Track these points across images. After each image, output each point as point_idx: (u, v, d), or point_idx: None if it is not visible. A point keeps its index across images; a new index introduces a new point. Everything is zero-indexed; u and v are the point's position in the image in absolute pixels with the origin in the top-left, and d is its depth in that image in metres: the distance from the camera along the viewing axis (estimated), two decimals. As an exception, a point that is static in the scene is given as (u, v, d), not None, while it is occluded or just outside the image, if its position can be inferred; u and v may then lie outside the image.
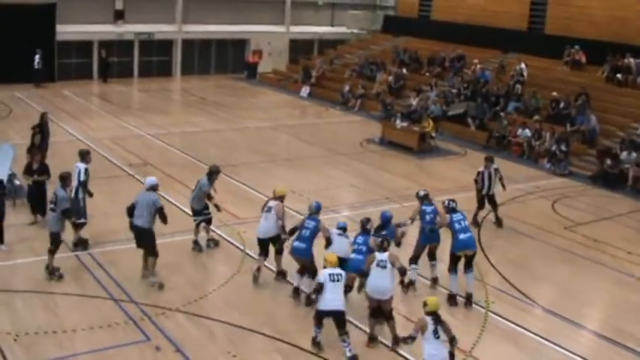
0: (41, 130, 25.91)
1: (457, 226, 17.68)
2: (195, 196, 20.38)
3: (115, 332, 15.42)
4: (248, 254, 19.58)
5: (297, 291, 17.49)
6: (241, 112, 40.17)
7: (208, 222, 20.53)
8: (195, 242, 20.41)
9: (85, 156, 20.38)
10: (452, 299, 17.67)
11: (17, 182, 22.16)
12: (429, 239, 18.52)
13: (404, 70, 44.65)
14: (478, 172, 23.94)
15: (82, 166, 20.11)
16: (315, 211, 18.15)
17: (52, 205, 18.16)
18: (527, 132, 33.58)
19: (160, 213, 17.85)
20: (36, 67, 44.62)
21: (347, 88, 43.68)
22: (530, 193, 27.62)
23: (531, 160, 32.65)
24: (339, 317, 14.86)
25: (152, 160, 28.67)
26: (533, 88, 37.68)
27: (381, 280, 15.33)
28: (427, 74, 44.29)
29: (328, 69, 49.55)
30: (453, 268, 17.82)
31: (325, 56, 52.84)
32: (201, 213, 20.33)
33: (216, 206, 20.22)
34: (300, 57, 55.12)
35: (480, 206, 23.77)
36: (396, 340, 15.31)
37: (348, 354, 14.74)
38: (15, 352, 14.48)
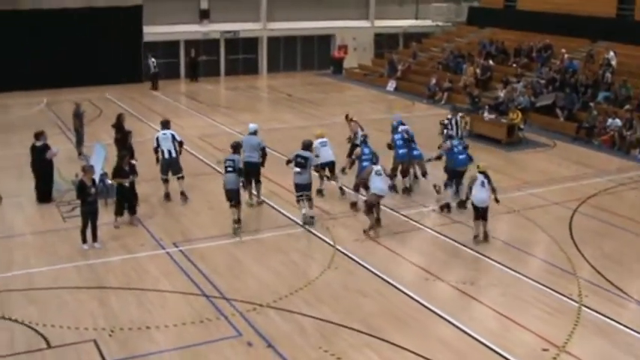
0: (120, 131, 26.41)
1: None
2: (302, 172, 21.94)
3: (206, 328, 15.69)
4: (338, 250, 19.67)
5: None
6: (328, 108, 40.30)
7: (310, 199, 22.11)
8: (305, 216, 21.99)
9: (168, 123, 24.53)
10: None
11: (109, 182, 22.63)
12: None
13: (490, 62, 44.19)
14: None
15: (169, 132, 23.98)
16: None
17: (230, 168, 21.42)
18: (618, 122, 32.93)
19: (263, 151, 23.49)
20: (152, 70, 45.85)
21: (433, 81, 43.47)
22: (622, 185, 27.08)
23: (622, 151, 31.96)
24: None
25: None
26: (623, 76, 36.95)
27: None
28: (514, 65, 43.75)
29: (413, 62, 49.39)
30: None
31: (410, 50, 52.67)
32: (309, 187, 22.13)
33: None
34: (386, 51, 55.04)
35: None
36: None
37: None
38: (110, 347, 14.88)
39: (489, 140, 32.88)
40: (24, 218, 22.62)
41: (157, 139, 23.98)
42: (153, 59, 46.06)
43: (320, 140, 24.33)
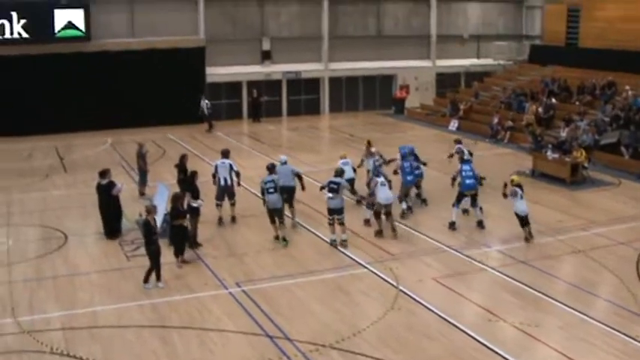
0: (183, 171, 26.64)
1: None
2: (334, 196, 23.50)
3: (269, 369, 15.62)
4: (402, 291, 19.51)
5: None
6: (390, 147, 40.03)
7: (342, 223, 23.54)
8: (333, 241, 23.62)
9: (228, 153, 26.58)
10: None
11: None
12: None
13: (553, 100, 43.83)
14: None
15: (228, 161, 26.11)
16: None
17: (271, 189, 23.56)
18: (685, 160, 32.42)
19: (299, 176, 25.94)
20: (207, 112, 46.44)
21: (495, 120, 43.24)
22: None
23: (690, 189, 31.42)
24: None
25: (302, 197, 29.00)
26: (690, 113, 36.40)
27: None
28: (577, 103, 43.28)
29: (475, 101, 49.21)
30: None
31: (472, 89, 52.52)
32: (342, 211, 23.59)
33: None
34: (447, 90, 54.96)
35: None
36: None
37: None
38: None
39: (553, 179, 32.48)
40: (88, 257, 22.90)
41: (216, 167, 26.26)
42: (207, 101, 46.56)
43: (342, 161, 27.62)
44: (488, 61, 57.39)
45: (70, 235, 24.82)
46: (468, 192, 25.61)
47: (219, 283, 20.26)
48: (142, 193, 28.88)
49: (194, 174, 24.75)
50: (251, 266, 21.69)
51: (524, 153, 37.73)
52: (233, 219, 26.19)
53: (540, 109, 42.76)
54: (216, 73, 49.88)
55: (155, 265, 20.19)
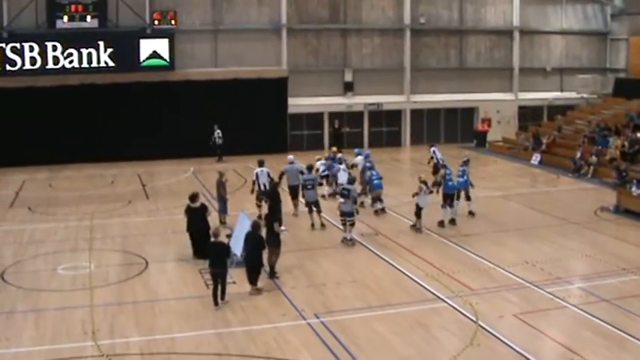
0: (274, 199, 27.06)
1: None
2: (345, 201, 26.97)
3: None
4: (481, 326, 19.21)
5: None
6: (471, 181, 39.86)
7: (352, 224, 27.09)
8: (345, 238, 27.08)
9: (263, 162, 30.97)
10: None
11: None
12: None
13: (638, 135, 42.99)
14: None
15: (265, 169, 30.45)
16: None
17: (310, 185, 29.55)
18: None
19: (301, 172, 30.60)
20: (218, 142, 46.52)
21: (579, 154, 42.59)
22: None
23: None
24: None
25: (383, 230, 28.96)
26: None
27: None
28: (664, 138, 42.46)
29: (558, 135, 48.57)
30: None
31: (555, 122, 51.87)
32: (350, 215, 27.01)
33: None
34: (529, 124, 54.37)
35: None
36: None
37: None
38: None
39: (638, 216, 31.79)
40: (168, 283, 23.13)
41: (256, 174, 30.39)
42: (218, 130, 46.50)
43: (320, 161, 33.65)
44: (572, 94, 56.54)
45: (151, 261, 25.09)
46: (449, 193, 30.01)
47: (298, 314, 20.21)
48: (222, 222, 29.02)
49: (276, 184, 28.50)
50: (330, 297, 21.60)
51: (607, 188, 37.01)
52: (322, 225, 29.73)
53: (625, 144, 41.97)
54: (298, 103, 50.23)
55: (221, 287, 20.84)
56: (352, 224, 27.14)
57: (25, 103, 44.83)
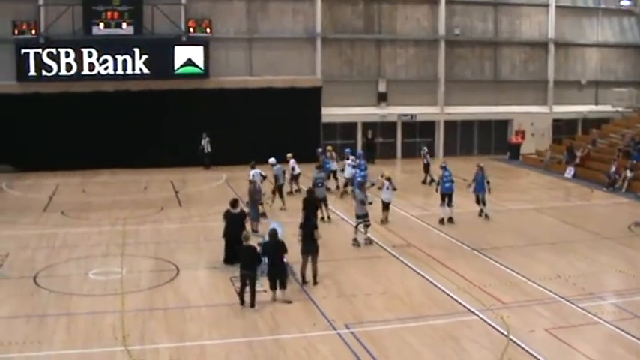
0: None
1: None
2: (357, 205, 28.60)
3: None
4: (512, 340, 19.03)
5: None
6: (504, 193, 39.65)
7: (367, 226, 28.40)
8: (355, 240, 28.33)
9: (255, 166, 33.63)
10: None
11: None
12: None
13: (674, 150, 42.70)
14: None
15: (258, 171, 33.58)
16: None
17: (319, 184, 32.44)
18: None
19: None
20: (206, 151, 46.78)
21: (613, 168, 42.22)
22: None
23: None
24: None
25: (414, 241, 28.87)
26: None
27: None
28: (699, 152, 42.08)
29: (593, 149, 48.21)
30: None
31: (589, 136, 51.51)
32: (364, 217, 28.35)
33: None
34: (564, 137, 54.08)
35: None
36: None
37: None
38: None
39: (672, 231, 31.49)
40: (199, 290, 23.17)
41: (253, 175, 32.78)
42: (208, 138, 46.71)
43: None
44: (607, 107, 56.05)
45: (182, 268, 25.15)
46: (446, 193, 32.16)
47: (328, 324, 20.16)
48: (254, 230, 29.02)
49: (311, 192, 29.58)
50: (360, 308, 21.53)
51: (643, 203, 36.73)
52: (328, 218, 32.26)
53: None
54: (332, 113, 50.30)
55: (251, 290, 21.08)
56: (367, 225, 28.45)
57: (61, 109, 45.23)
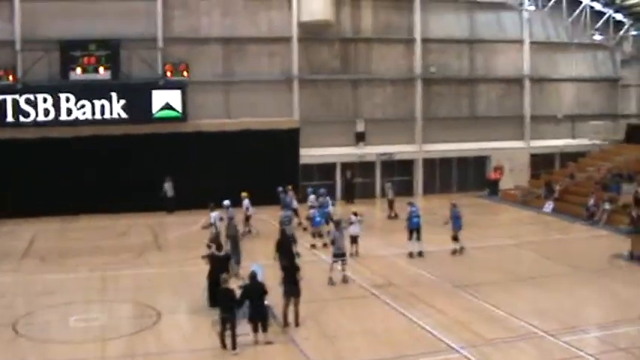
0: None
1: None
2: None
3: None
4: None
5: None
6: (483, 229, 39.80)
7: (344, 262, 28.99)
8: (330, 279, 28.62)
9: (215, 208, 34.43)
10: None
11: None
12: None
13: (651, 181, 42.91)
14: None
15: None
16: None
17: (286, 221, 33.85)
18: None
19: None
20: (168, 194, 46.73)
21: (591, 201, 42.42)
22: None
23: None
24: None
25: (396, 280, 28.85)
26: None
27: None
28: (678, 185, 42.26)
29: (571, 182, 48.44)
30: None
31: (567, 169, 51.78)
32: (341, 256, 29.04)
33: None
34: (542, 171, 54.37)
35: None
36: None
37: None
38: None
39: (653, 264, 31.57)
40: (181, 336, 23.04)
41: (213, 218, 33.93)
42: (170, 182, 46.63)
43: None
44: (584, 141, 56.39)
45: (163, 313, 25.00)
46: (414, 228, 33.42)
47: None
48: (235, 274, 28.87)
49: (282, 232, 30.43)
50: (342, 349, 21.41)
51: (622, 235, 36.83)
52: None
53: (638, 190, 41.78)
54: (310, 154, 50.39)
55: (232, 333, 21.05)
56: (344, 263, 29.14)
57: (39, 154, 45.04)
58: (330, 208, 39.41)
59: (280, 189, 41.70)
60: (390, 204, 44.73)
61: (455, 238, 33.79)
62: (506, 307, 24.83)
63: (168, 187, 46.60)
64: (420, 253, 33.11)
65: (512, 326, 23.16)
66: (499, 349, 21.02)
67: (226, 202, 35.20)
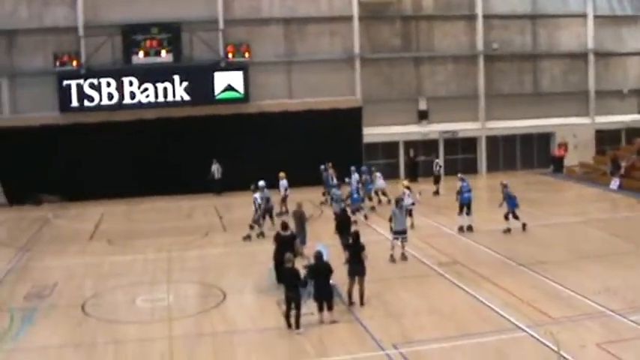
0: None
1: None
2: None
3: None
4: (563, 356, 18.77)
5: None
6: (549, 207, 39.36)
7: (404, 239, 29.03)
8: (392, 256, 28.71)
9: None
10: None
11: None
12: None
13: None
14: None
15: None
16: None
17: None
18: None
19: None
20: (216, 176, 46.97)
21: (659, 178, 41.73)
22: None
23: None
24: None
25: (461, 259, 28.67)
26: None
27: None
28: None
29: (638, 158, 47.64)
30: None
31: (634, 145, 50.91)
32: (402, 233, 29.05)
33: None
34: (607, 148, 53.52)
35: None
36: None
37: None
38: None
39: None
40: (247, 315, 23.21)
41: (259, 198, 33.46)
42: (218, 165, 46.83)
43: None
44: (651, 116, 55.45)
45: (229, 293, 25.17)
46: (465, 203, 34.01)
47: (376, 344, 20.03)
48: (300, 253, 28.92)
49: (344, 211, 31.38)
50: (408, 327, 21.39)
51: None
52: None
53: None
54: (373, 133, 50.28)
55: (296, 312, 21.08)
56: (404, 240, 29.18)
57: (103, 138, 45.63)
58: (379, 184, 41.33)
59: (322, 167, 42.55)
60: (437, 180, 45.22)
61: (507, 217, 33.22)
62: (573, 286, 24.52)
63: (215, 169, 46.89)
64: (470, 228, 33.74)
65: (579, 305, 22.87)
66: (566, 328, 20.75)
67: (261, 183, 34.62)
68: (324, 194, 42.42)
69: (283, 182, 38.86)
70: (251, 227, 33.14)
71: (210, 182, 46.90)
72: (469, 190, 34.19)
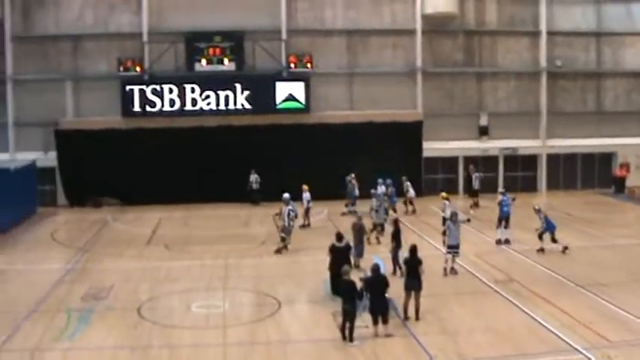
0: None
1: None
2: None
3: None
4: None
5: None
6: (609, 228, 38.82)
7: (456, 254, 29.01)
8: (445, 269, 28.74)
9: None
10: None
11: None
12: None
13: None
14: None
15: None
16: None
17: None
18: None
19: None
20: (254, 187, 46.88)
21: None
22: None
23: None
24: None
25: (517, 277, 28.40)
26: None
27: None
28: None
29: None
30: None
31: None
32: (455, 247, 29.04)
33: None
34: (671, 169, 52.70)
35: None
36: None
37: None
38: None
39: None
40: (301, 325, 23.24)
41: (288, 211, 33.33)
42: (256, 175, 46.68)
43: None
44: None
45: (283, 303, 25.21)
46: (504, 217, 34.66)
47: (458, 360, 19.93)
48: (356, 266, 28.82)
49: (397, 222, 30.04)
50: (462, 345, 21.20)
51: None
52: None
53: None
54: (433, 147, 50.10)
55: (351, 325, 20.94)
56: (456, 255, 29.18)
57: (164, 144, 46.12)
58: (410, 194, 43.19)
59: (348, 178, 43.08)
60: (475, 194, 45.30)
61: (540, 237, 32.76)
62: (632, 309, 24.10)
63: (253, 180, 46.96)
64: (507, 241, 34.45)
65: (638, 328, 22.51)
66: (623, 352, 20.42)
67: (286, 196, 34.46)
68: (346, 205, 42.81)
69: (306, 195, 39.40)
70: (282, 239, 33.20)
71: (248, 193, 47.06)
72: (508, 204, 34.94)
